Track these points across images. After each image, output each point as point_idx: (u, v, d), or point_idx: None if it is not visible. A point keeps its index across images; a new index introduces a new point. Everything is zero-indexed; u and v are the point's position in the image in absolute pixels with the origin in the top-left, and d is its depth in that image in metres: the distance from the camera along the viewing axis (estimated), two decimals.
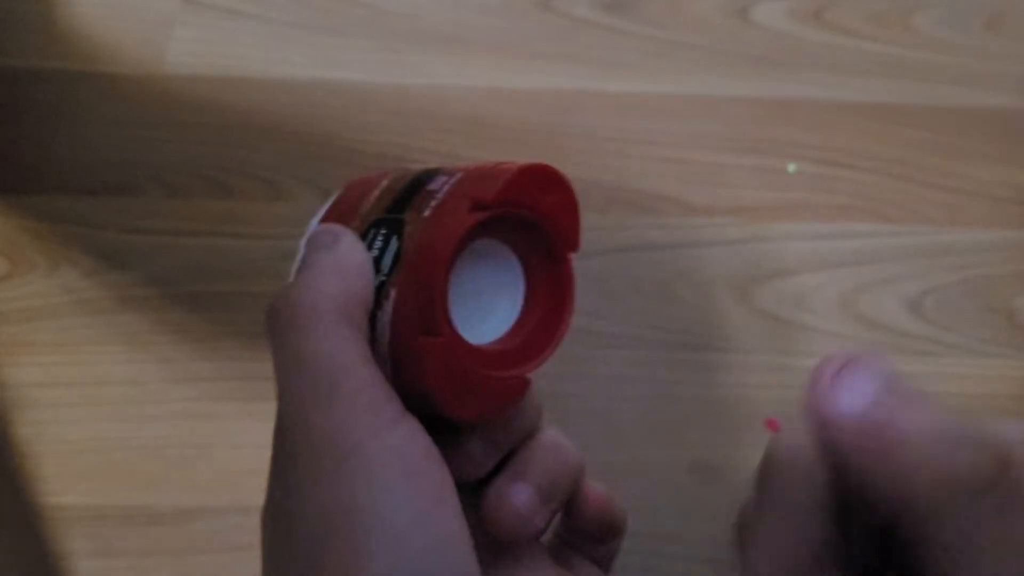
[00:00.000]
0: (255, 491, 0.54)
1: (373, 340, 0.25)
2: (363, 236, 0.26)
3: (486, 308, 0.27)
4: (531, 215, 0.26)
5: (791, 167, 0.60)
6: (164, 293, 0.55)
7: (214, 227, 0.57)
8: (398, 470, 0.23)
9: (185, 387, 0.53)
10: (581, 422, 0.52)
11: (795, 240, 0.57)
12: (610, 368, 0.53)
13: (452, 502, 0.23)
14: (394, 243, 0.25)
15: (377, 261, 0.26)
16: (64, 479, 0.50)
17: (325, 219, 0.28)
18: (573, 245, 0.27)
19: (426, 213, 0.25)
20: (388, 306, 0.25)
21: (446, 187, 0.26)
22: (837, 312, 0.55)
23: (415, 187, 0.26)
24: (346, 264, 0.25)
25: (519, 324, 0.28)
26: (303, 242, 0.28)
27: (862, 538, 0.22)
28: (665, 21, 0.65)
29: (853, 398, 0.21)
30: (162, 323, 0.54)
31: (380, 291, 0.25)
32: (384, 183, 0.27)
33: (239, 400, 0.52)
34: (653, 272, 0.56)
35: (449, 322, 0.25)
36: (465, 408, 0.25)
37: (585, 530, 0.30)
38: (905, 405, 0.20)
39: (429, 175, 0.27)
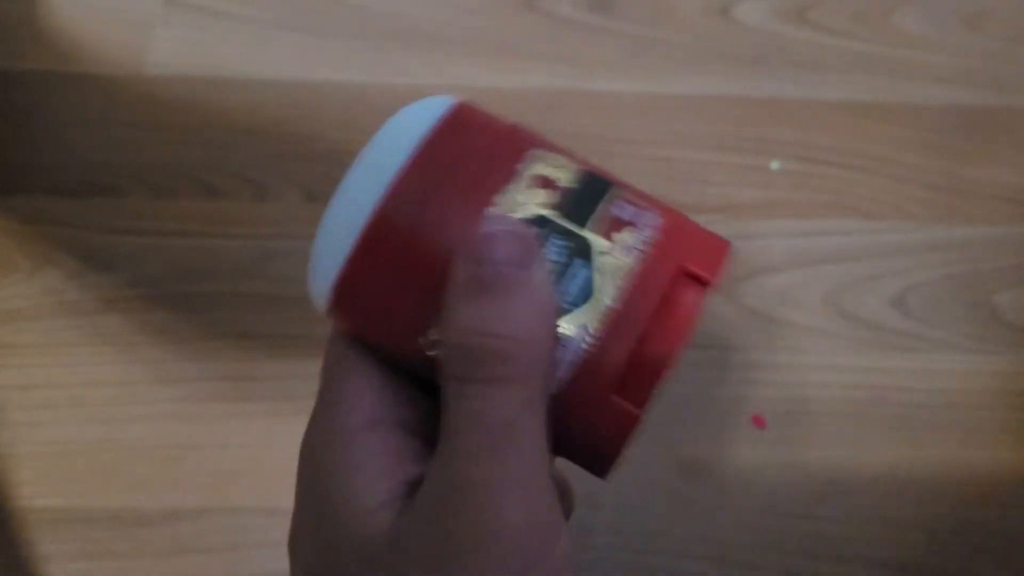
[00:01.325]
0: (243, 492, 0.53)
1: None
2: None
3: None
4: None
5: (774, 165, 0.60)
6: (149, 294, 0.55)
7: (199, 228, 0.57)
8: None
9: (171, 388, 0.52)
10: None
11: (779, 237, 0.58)
12: None
13: None
14: (580, 268, 0.22)
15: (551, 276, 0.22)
16: (49, 481, 0.50)
17: (414, 174, 0.24)
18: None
19: (626, 257, 0.23)
20: (574, 345, 0.22)
21: (644, 230, 0.24)
22: (821, 309, 0.56)
23: (590, 196, 0.24)
24: (547, 300, 0.21)
25: None
26: (348, 186, 0.24)
27: None
28: (648, 20, 0.65)
29: None
30: (147, 324, 0.54)
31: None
32: (527, 164, 0.24)
33: (226, 401, 0.52)
34: None
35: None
36: (616, 467, 0.24)
37: None
38: None
39: (602, 187, 0.24)
